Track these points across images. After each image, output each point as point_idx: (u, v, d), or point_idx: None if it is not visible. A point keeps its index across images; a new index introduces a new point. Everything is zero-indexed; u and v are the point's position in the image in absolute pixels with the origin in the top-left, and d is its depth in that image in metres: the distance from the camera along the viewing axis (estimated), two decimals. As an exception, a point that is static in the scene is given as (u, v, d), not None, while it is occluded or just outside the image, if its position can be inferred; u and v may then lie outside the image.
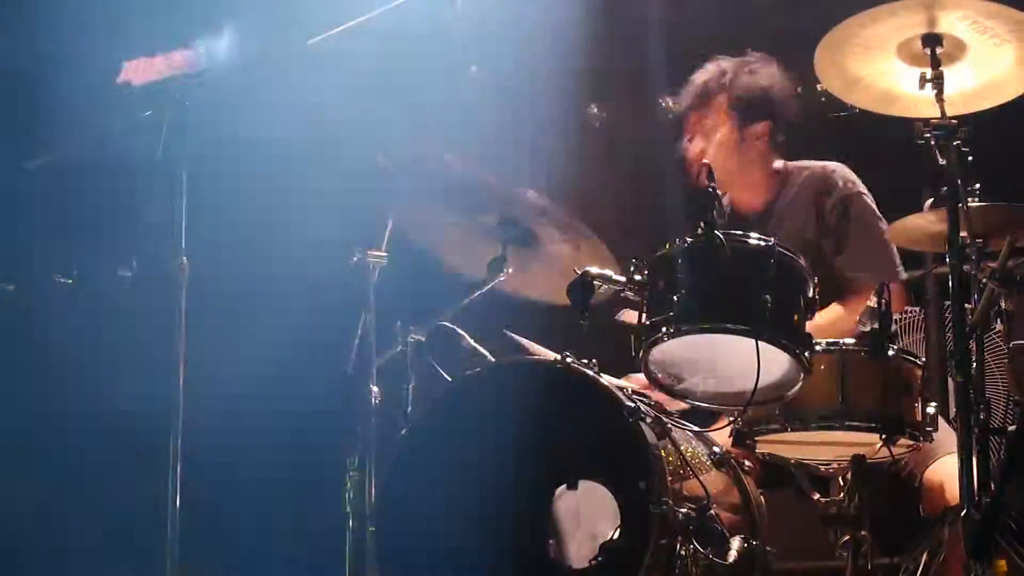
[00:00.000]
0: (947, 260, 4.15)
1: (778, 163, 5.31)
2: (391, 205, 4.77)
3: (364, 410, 4.73)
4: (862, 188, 5.17)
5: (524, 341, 4.71)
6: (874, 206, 5.15)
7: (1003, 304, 4.24)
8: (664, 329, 4.05)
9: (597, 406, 4.02)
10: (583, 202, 5.80)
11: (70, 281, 7.67)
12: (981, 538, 3.92)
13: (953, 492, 4.24)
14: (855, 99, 4.49)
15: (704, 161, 5.10)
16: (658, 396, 4.39)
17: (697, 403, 4.23)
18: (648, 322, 4.08)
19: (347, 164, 5.20)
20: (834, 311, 5.01)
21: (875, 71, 4.33)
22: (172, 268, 4.16)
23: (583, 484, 3.99)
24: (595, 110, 7.05)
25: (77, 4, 7.42)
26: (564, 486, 4.00)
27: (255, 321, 7.19)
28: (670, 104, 6.79)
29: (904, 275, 5.16)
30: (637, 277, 4.18)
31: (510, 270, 4.59)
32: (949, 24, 4.18)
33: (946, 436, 4.39)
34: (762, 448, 4.45)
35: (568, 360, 4.09)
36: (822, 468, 4.51)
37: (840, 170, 5.21)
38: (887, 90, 4.37)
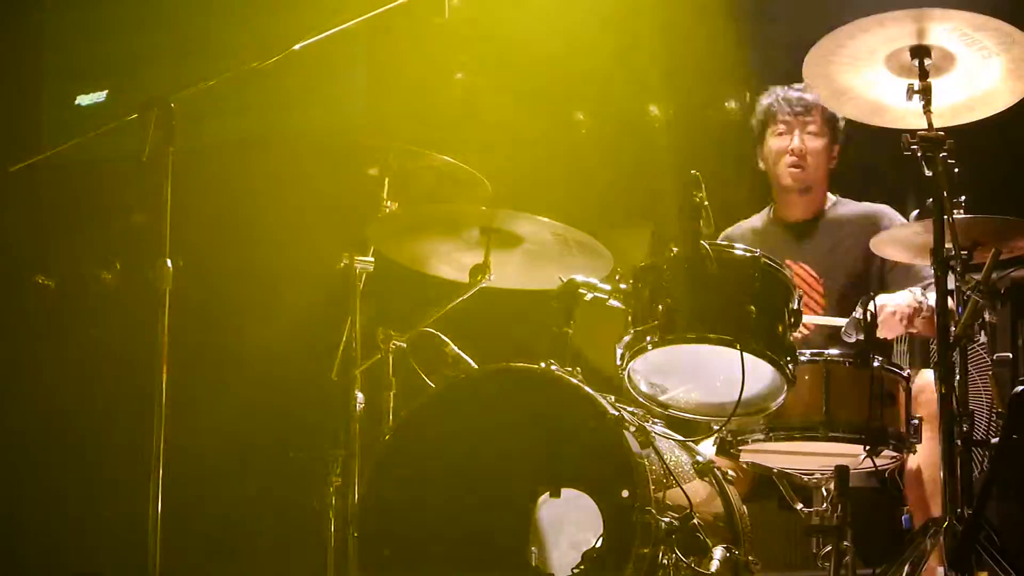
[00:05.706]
0: (932, 271, 4.16)
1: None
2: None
3: (347, 416, 4.72)
4: None
5: None
6: None
7: (987, 316, 4.24)
8: (648, 339, 4.04)
9: (580, 414, 4.01)
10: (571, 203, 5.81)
11: (52, 283, 7.65)
12: (962, 550, 3.92)
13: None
14: (843, 110, 4.49)
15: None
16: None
17: (681, 414, 4.22)
18: (632, 332, 4.07)
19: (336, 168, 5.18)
20: None
21: (864, 82, 4.33)
22: (155, 271, 4.12)
23: (566, 492, 3.97)
24: (581, 117, 7.04)
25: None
26: (547, 494, 3.99)
27: (239, 325, 7.18)
28: (658, 112, 6.81)
29: None
30: (622, 286, 4.17)
31: (492, 277, 4.58)
32: (938, 36, 4.18)
33: None
34: (745, 457, 4.45)
35: (552, 368, 4.08)
36: (805, 478, 4.51)
37: (890, 213, 5.27)
38: (875, 101, 4.37)
